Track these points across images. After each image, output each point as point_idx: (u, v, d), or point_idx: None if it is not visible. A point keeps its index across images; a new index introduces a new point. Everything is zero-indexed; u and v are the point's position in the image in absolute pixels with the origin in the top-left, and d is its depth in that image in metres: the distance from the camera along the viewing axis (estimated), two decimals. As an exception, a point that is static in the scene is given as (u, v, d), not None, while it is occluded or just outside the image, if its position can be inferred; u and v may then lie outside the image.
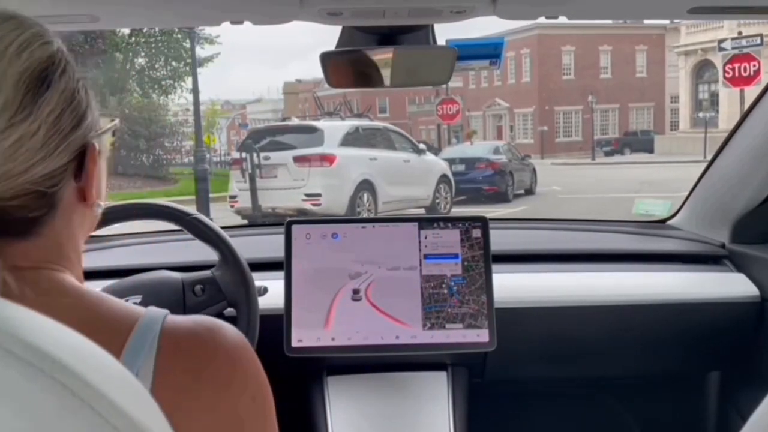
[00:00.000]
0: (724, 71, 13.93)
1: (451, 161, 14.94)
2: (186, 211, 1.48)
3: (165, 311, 0.75)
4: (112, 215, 1.43)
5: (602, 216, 2.33)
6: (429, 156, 13.70)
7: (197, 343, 0.73)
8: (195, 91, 16.37)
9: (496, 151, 17.33)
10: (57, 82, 0.72)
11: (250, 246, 1.68)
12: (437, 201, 12.74)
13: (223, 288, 1.48)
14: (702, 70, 34.09)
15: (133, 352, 0.69)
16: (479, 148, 19.42)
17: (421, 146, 13.57)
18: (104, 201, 0.86)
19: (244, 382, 0.74)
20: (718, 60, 31.08)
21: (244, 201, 11.34)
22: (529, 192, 17.01)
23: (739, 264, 1.91)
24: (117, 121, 0.92)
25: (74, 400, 0.46)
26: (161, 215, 1.48)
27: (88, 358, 0.50)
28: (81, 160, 0.76)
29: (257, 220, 10.47)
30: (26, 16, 0.74)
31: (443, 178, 13.19)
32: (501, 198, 15.35)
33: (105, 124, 0.85)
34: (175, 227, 1.53)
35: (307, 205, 10.63)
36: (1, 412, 0.44)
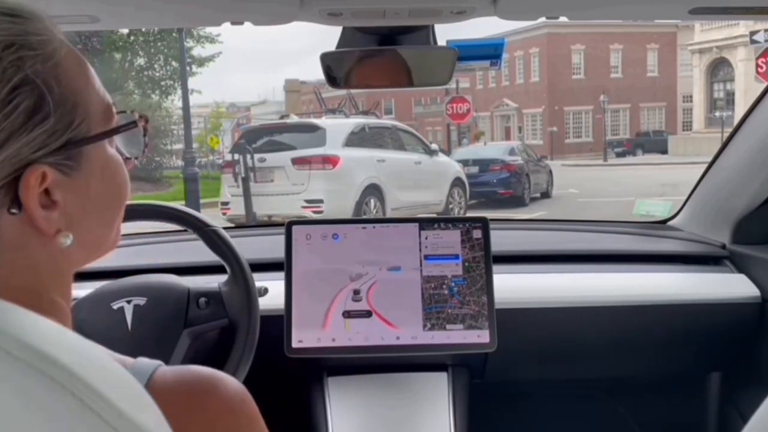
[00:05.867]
0: (757, 65, 13.62)
1: (464, 163, 14.23)
2: (206, 221, 1.48)
3: (157, 363, 0.67)
4: (129, 214, 1.43)
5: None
6: (442, 157, 12.70)
7: (186, 401, 0.65)
8: (184, 89, 15.87)
9: (512, 152, 16.55)
10: None
11: (250, 246, 1.69)
12: (451, 206, 11.92)
13: (227, 306, 1.47)
14: (717, 68, 33.91)
15: None
16: (493, 149, 18.63)
17: (434, 146, 12.57)
18: (107, 227, 0.72)
19: None
20: (734, 58, 30.94)
21: (237, 208, 10.24)
22: (546, 195, 16.43)
23: (739, 265, 1.91)
24: (136, 114, 0.75)
25: (73, 400, 0.46)
26: (180, 220, 1.48)
27: (87, 359, 0.50)
28: (17, 187, 0.60)
29: (252, 228, 9.70)
30: None
31: (457, 182, 12.32)
32: (517, 202, 14.77)
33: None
34: (179, 228, 1.53)
35: (308, 213, 9.53)
36: (1, 412, 0.45)
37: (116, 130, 0.70)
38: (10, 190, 0.59)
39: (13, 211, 0.60)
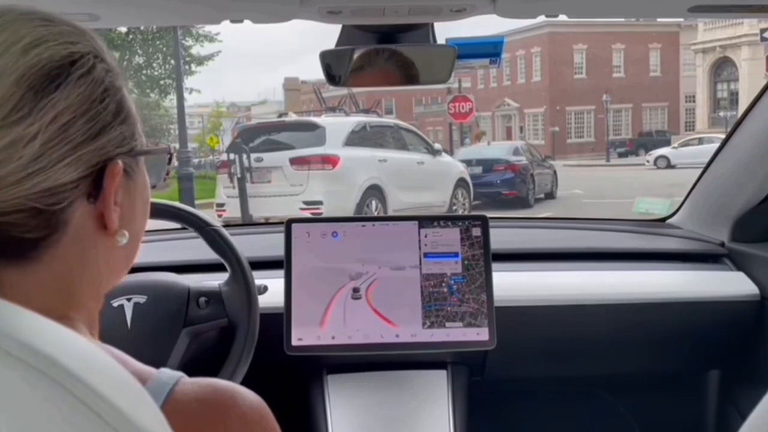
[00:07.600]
0: None
1: (467, 163, 13.87)
2: (208, 221, 1.48)
3: (179, 375, 0.68)
4: None
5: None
6: (445, 157, 12.34)
7: (206, 416, 0.66)
8: (179, 87, 15.64)
9: (516, 151, 16.12)
10: (72, 84, 0.62)
11: (250, 244, 1.69)
12: (454, 207, 11.44)
13: (227, 305, 1.47)
14: (720, 68, 33.86)
15: None
16: (497, 148, 18.09)
17: (437, 146, 12.06)
18: (139, 237, 0.76)
19: None
20: (737, 57, 30.92)
21: (233, 210, 9.84)
22: (550, 196, 16.07)
23: (738, 263, 1.91)
24: (171, 147, 0.82)
25: (73, 401, 0.46)
26: (182, 219, 1.48)
27: (87, 359, 0.50)
28: (99, 178, 0.65)
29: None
30: (54, 14, 0.66)
31: (461, 182, 11.93)
32: (521, 203, 14.43)
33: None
34: (179, 226, 1.53)
35: (306, 215, 8.73)
36: (0, 412, 0.45)
37: (166, 150, 0.79)
38: (90, 180, 0.65)
39: (92, 199, 0.65)
